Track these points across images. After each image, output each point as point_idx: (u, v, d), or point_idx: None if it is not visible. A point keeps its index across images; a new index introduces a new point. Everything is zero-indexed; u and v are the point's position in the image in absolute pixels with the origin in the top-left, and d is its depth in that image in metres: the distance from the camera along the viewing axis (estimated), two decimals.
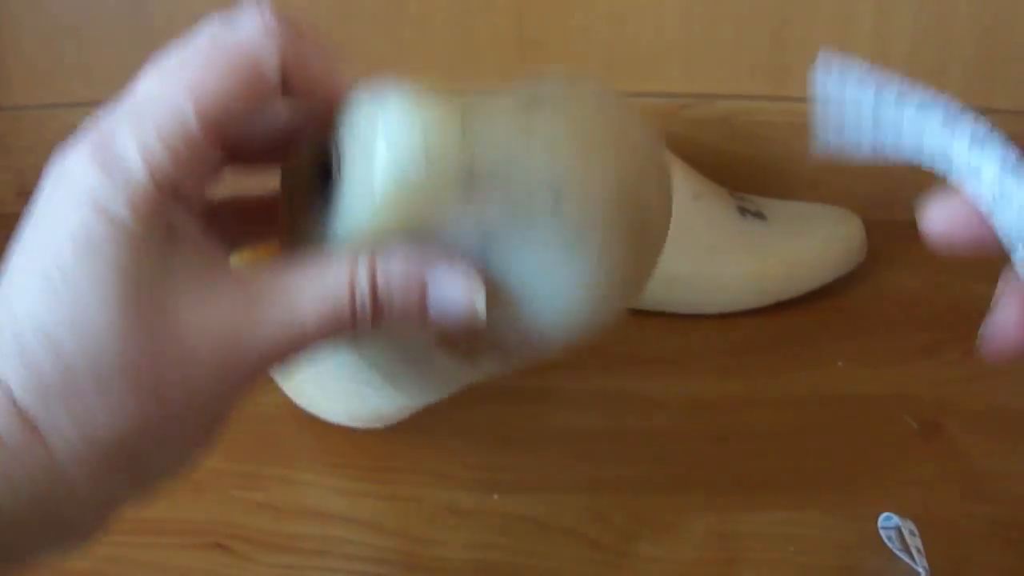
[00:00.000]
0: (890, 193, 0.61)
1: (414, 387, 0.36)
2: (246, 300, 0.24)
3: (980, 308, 0.59)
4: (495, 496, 0.42)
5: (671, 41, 0.58)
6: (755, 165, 0.61)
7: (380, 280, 0.25)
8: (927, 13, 0.56)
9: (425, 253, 0.26)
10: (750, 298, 0.53)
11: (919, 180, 0.67)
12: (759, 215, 0.54)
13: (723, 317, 0.52)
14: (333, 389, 0.43)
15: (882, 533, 0.39)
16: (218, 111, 0.24)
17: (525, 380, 0.49)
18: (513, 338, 0.29)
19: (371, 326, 0.25)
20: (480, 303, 0.26)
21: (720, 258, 0.52)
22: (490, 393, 0.48)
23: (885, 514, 0.39)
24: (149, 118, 0.24)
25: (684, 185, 0.52)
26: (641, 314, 0.53)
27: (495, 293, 0.27)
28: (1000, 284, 0.24)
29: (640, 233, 0.28)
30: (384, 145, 0.26)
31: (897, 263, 0.57)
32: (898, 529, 0.39)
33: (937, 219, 0.24)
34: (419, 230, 0.26)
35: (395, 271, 0.25)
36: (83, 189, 0.23)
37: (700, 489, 0.42)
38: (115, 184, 0.23)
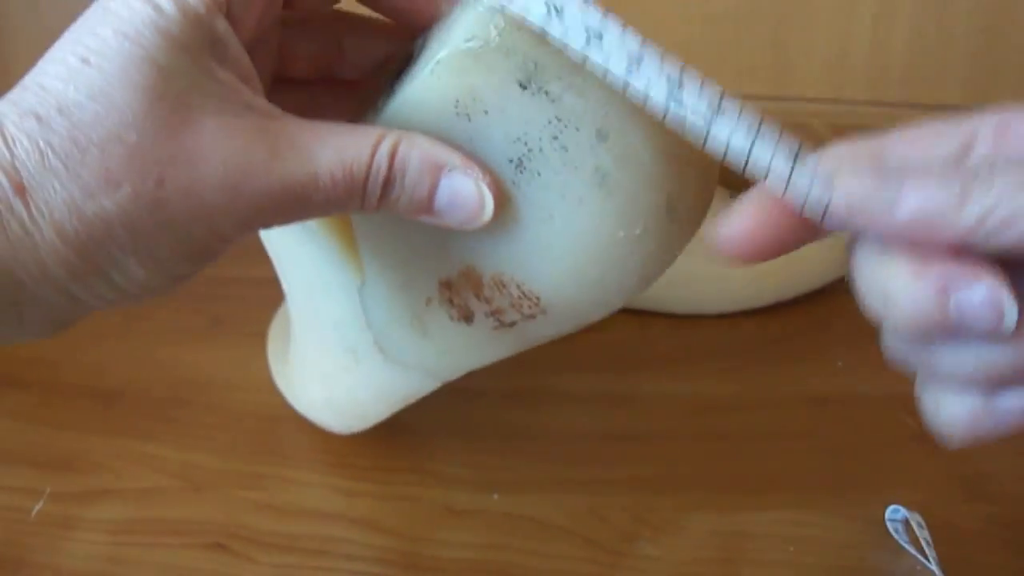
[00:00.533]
0: None
1: (403, 349, 0.36)
2: (270, 135, 0.25)
3: None
4: (495, 496, 0.42)
5: (670, 41, 0.58)
6: None
7: (401, 151, 0.26)
8: (927, 13, 0.56)
9: (448, 152, 0.26)
10: (750, 298, 0.53)
11: None
12: None
13: (723, 317, 0.52)
14: (314, 369, 0.43)
15: (889, 526, 0.39)
16: None
17: (525, 380, 0.49)
18: (513, 292, 0.30)
19: (379, 196, 0.26)
20: (488, 203, 0.27)
21: (720, 258, 0.52)
22: (490, 393, 0.48)
23: (892, 506, 0.39)
24: None
25: None
26: (641, 314, 0.53)
27: (508, 206, 0.28)
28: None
29: (668, 208, 0.29)
30: (461, 25, 0.27)
31: None
32: (905, 521, 0.39)
33: (735, 232, 0.26)
34: (461, 112, 0.27)
35: (418, 148, 0.26)
36: None
37: (700, 489, 0.42)
38: None
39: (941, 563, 0.37)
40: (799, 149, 0.26)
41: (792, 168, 0.25)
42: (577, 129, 0.28)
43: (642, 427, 0.46)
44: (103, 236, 0.24)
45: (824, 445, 0.44)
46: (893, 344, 0.25)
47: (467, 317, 0.32)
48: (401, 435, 0.46)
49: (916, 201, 0.22)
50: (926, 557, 0.37)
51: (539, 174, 0.28)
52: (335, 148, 0.25)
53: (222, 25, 0.25)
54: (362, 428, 0.42)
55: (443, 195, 0.26)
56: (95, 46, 0.24)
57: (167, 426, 0.46)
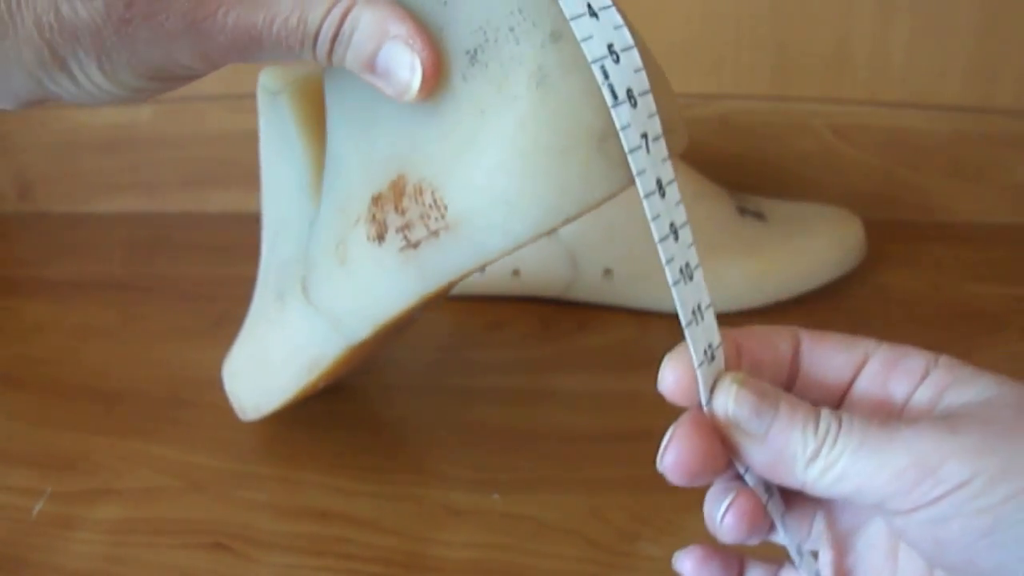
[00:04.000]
0: (890, 193, 0.61)
1: (321, 283, 0.36)
2: None
3: (980, 308, 0.59)
4: (495, 496, 0.42)
5: (671, 41, 0.58)
6: (755, 165, 0.61)
7: (354, 11, 0.28)
8: (927, 13, 0.56)
9: (401, 21, 0.28)
10: (750, 298, 0.53)
11: (919, 180, 0.67)
12: (759, 215, 0.54)
13: (723, 317, 0.52)
14: (247, 329, 0.43)
15: None
16: None
17: (525, 380, 0.49)
18: (427, 200, 0.30)
19: (328, 49, 0.28)
20: (416, 76, 0.28)
21: (720, 258, 0.52)
22: (490, 393, 0.48)
23: None
24: None
25: (684, 185, 0.52)
26: (641, 314, 0.53)
27: (451, 101, 0.29)
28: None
29: (601, 137, 0.28)
30: None
31: (897, 263, 0.57)
32: None
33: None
34: None
35: (371, 12, 0.28)
36: None
37: (700, 489, 0.42)
38: None
39: None
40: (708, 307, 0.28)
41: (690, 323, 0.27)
42: (534, 24, 0.27)
43: (642, 427, 0.46)
44: (71, 37, 0.27)
45: None
46: None
47: (381, 235, 0.32)
48: (401, 435, 0.46)
49: (779, 442, 0.26)
50: None
51: (487, 66, 0.28)
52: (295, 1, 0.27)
53: None
54: (268, 408, 0.42)
55: (382, 59, 0.28)
56: None
57: (167, 426, 0.46)
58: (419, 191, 0.30)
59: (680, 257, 0.27)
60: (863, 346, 0.29)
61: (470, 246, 0.30)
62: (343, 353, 0.38)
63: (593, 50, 0.26)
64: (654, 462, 0.44)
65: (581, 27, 0.26)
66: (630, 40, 0.27)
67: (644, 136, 0.26)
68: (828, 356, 0.29)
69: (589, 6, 0.26)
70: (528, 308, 0.54)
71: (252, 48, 0.28)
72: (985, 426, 0.25)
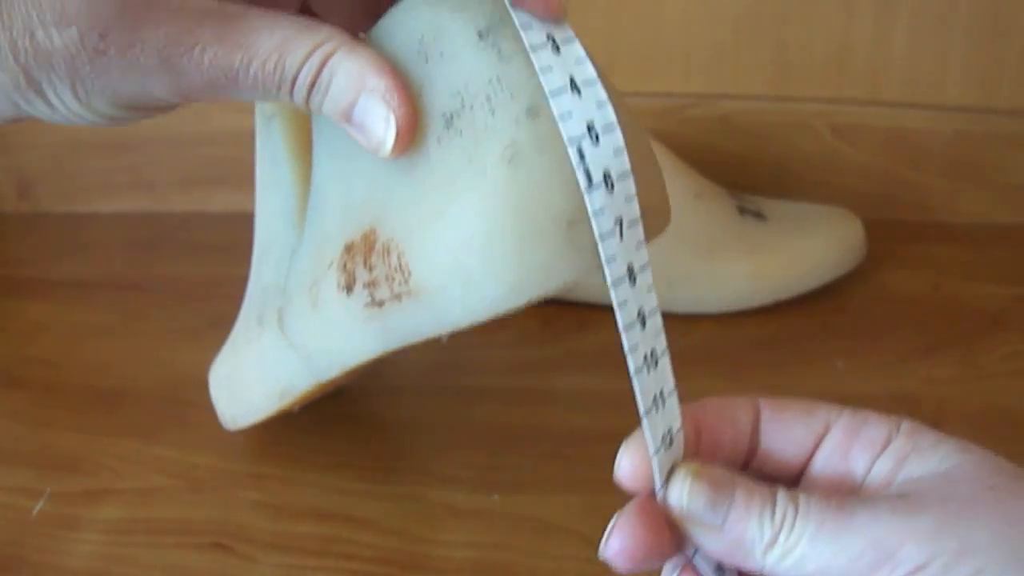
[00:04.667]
0: (890, 193, 0.61)
1: (295, 320, 0.36)
2: (220, 20, 0.27)
3: (980, 308, 0.59)
4: (495, 496, 0.42)
5: (671, 41, 0.58)
6: (755, 165, 0.61)
7: (333, 60, 0.28)
8: (927, 13, 0.56)
9: (380, 75, 0.28)
10: (750, 298, 0.53)
11: (919, 180, 0.67)
12: (759, 215, 0.54)
13: (723, 317, 0.52)
14: (231, 342, 0.43)
15: None
16: None
17: (525, 380, 0.49)
18: (392, 261, 0.29)
19: (305, 95, 0.28)
20: (390, 136, 0.28)
21: (720, 258, 0.52)
22: (490, 393, 0.48)
23: None
24: None
25: (684, 185, 0.52)
26: None
27: (425, 163, 0.28)
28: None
29: (570, 223, 0.27)
30: None
31: (897, 263, 0.57)
32: None
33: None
34: (421, 52, 0.28)
35: (351, 61, 0.28)
36: None
37: None
38: None
39: None
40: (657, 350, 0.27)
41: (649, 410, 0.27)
42: (512, 96, 0.27)
43: None
44: (45, 63, 0.27)
45: None
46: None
47: (349, 286, 0.32)
48: (401, 435, 0.46)
49: (736, 531, 0.26)
50: None
51: (461, 133, 0.27)
52: (280, 40, 0.27)
53: None
54: (244, 423, 0.42)
55: (359, 112, 0.28)
56: None
57: (167, 426, 0.46)
58: (387, 250, 0.30)
59: (645, 345, 0.26)
60: (824, 415, 0.29)
61: (431, 315, 0.30)
62: (313, 387, 0.38)
63: (570, 129, 0.25)
64: None
65: (560, 103, 0.25)
66: (613, 118, 0.25)
67: (619, 221, 0.25)
68: (788, 427, 0.29)
69: (572, 80, 0.25)
70: (528, 308, 0.54)
71: (228, 88, 0.28)
72: (943, 505, 0.25)
